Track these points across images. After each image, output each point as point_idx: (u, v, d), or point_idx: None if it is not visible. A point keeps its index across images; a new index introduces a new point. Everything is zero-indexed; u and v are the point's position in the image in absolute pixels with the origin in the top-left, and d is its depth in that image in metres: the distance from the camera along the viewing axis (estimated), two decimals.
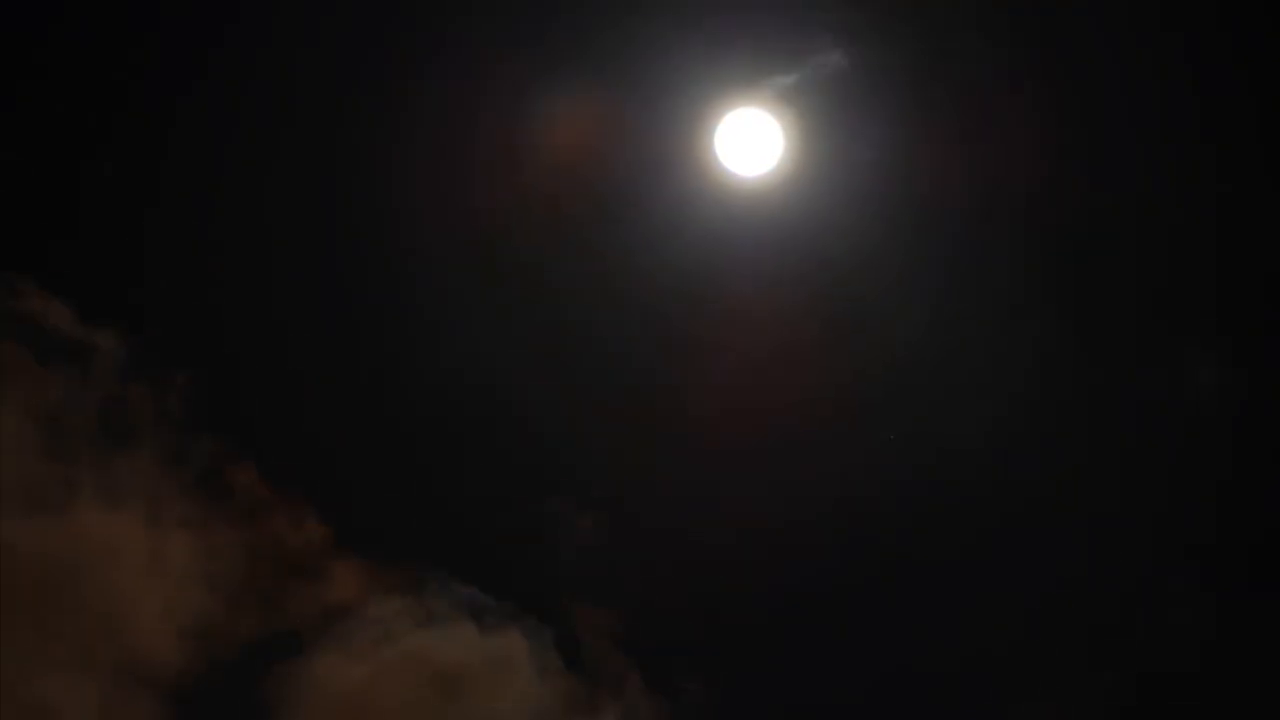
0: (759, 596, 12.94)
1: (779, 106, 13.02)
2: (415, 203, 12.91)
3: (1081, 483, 13.03)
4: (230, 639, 12.68)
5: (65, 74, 12.70)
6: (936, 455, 12.97)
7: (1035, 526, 13.00)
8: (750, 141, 13.07)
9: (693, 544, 12.87)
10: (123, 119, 12.93)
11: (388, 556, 12.92)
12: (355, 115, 12.86)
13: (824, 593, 12.96)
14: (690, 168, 13.14)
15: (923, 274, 12.96)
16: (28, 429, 12.66)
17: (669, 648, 12.92)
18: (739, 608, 12.99)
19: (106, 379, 12.77)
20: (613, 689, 12.90)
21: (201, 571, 12.83)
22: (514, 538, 13.30)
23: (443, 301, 12.98)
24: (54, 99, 12.76)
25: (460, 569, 13.01)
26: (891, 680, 12.71)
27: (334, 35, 12.89)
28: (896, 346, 12.93)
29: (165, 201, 12.87)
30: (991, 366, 13.03)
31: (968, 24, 12.71)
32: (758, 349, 13.13)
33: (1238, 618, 12.34)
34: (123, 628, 12.46)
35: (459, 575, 12.99)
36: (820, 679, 12.82)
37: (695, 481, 12.98)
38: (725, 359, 13.15)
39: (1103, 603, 12.58)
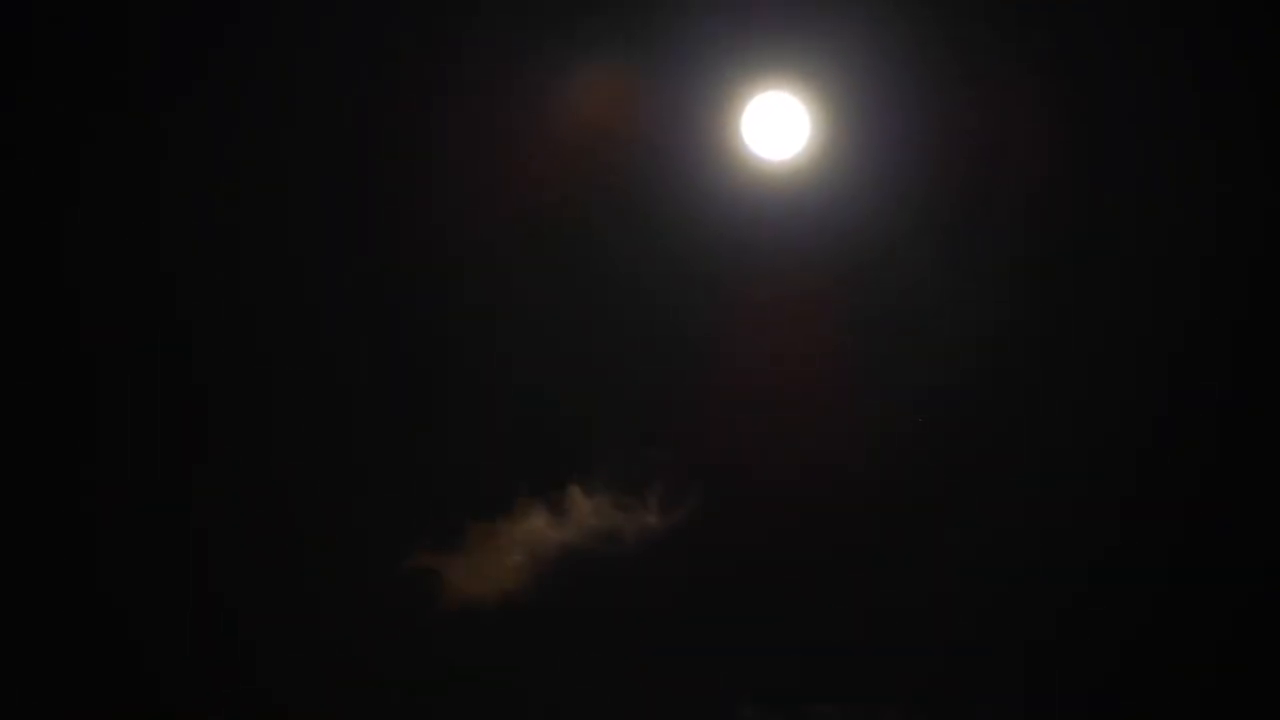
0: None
1: (806, 90, 13.04)
2: (436, 189, 12.81)
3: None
4: None
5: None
6: (956, 444, 12.98)
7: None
8: (777, 125, 13.10)
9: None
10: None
11: None
12: (375, 99, 12.75)
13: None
14: (717, 151, 13.13)
15: (949, 259, 12.97)
16: None
17: None
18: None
19: None
20: None
21: None
22: None
23: (467, 299, 12.89)
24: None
25: None
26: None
27: (362, 7, 12.83)
28: (921, 331, 12.92)
29: None
30: (1018, 350, 13.07)
31: (998, 9, 12.80)
32: (782, 333, 13.07)
33: None
34: None
35: None
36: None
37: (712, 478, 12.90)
38: (749, 344, 13.09)
39: None
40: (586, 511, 12.60)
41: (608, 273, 13.54)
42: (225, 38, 12.94)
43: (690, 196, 13.51)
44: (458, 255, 13.08)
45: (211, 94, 12.84)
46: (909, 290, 13.40)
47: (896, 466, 13.28)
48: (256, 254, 12.77)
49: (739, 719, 12.59)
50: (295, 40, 13.05)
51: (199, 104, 12.89)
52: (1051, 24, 13.44)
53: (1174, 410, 13.13)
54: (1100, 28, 13.37)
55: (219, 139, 13.01)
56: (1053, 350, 13.40)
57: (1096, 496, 13.19)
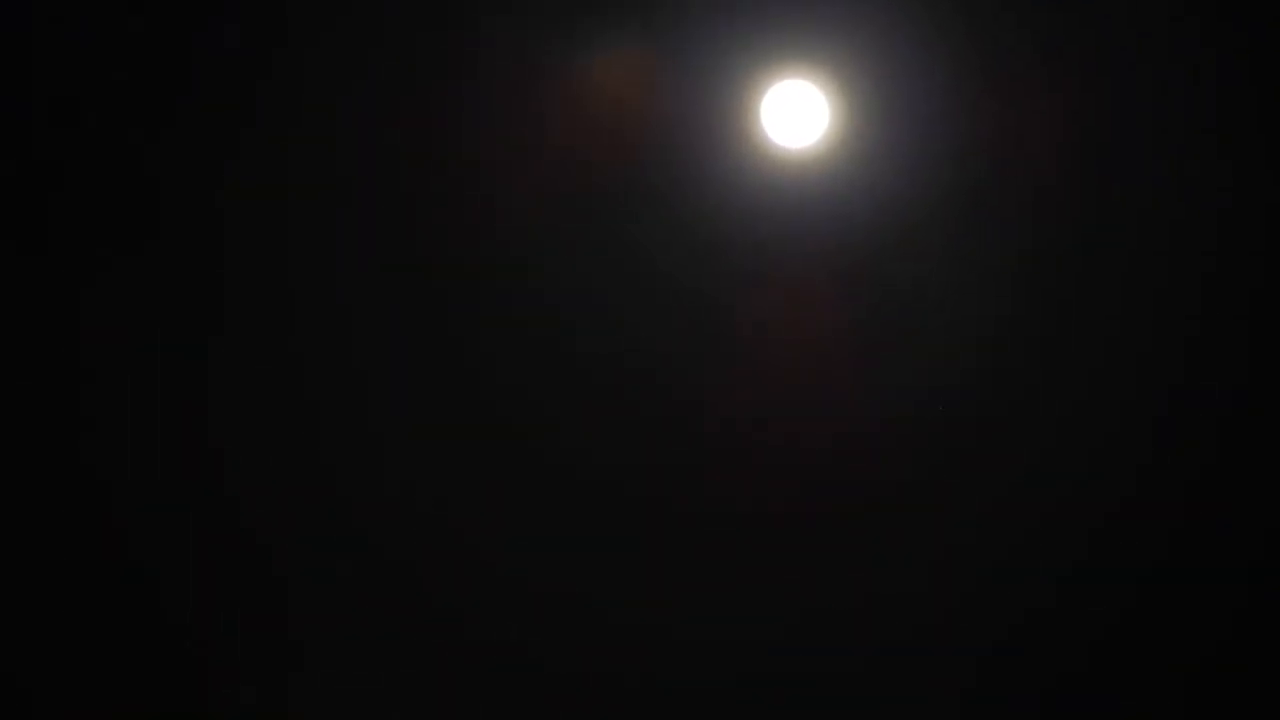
0: None
1: (826, 79, 12.95)
2: (446, 169, 12.67)
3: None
4: None
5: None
6: (969, 434, 13.16)
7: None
8: (796, 114, 13.03)
9: None
10: None
11: None
12: (386, 86, 12.49)
13: None
14: (735, 139, 13.04)
15: (968, 249, 13.00)
16: None
17: None
18: None
19: None
20: None
21: None
22: None
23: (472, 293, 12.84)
24: None
25: None
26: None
27: None
28: (938, 321, 13.00)
29: None
30: (1035, 340, 13.17)
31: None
32: (799, 321, 13.13)
33: None
34: None
35: None
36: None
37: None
38: (766, 330, 13.16)
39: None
40: None
41: (624, 260, 13.52)
42: (226, 39, 12.60)
43: (707, 184, 13.42)
44: (471, 250, 13.01)
45: (222, 90, 12.56)
46: (927, 280, 13.44)
47: (911, 454, 13.48)
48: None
49: None
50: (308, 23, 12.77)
51: (208, 103, 12.61)
52: (1074, 13, 13.31)
53: (1182, 401, 13.35)
54: (1124, 17, 13.25)
55: (228, 145, 12.78)
56: (1071, 341, 13.50)
57: (1103, 490, 13.45)
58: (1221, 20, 12.87)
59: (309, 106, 12.43)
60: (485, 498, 12.89)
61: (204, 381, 12.47)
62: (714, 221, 12.90)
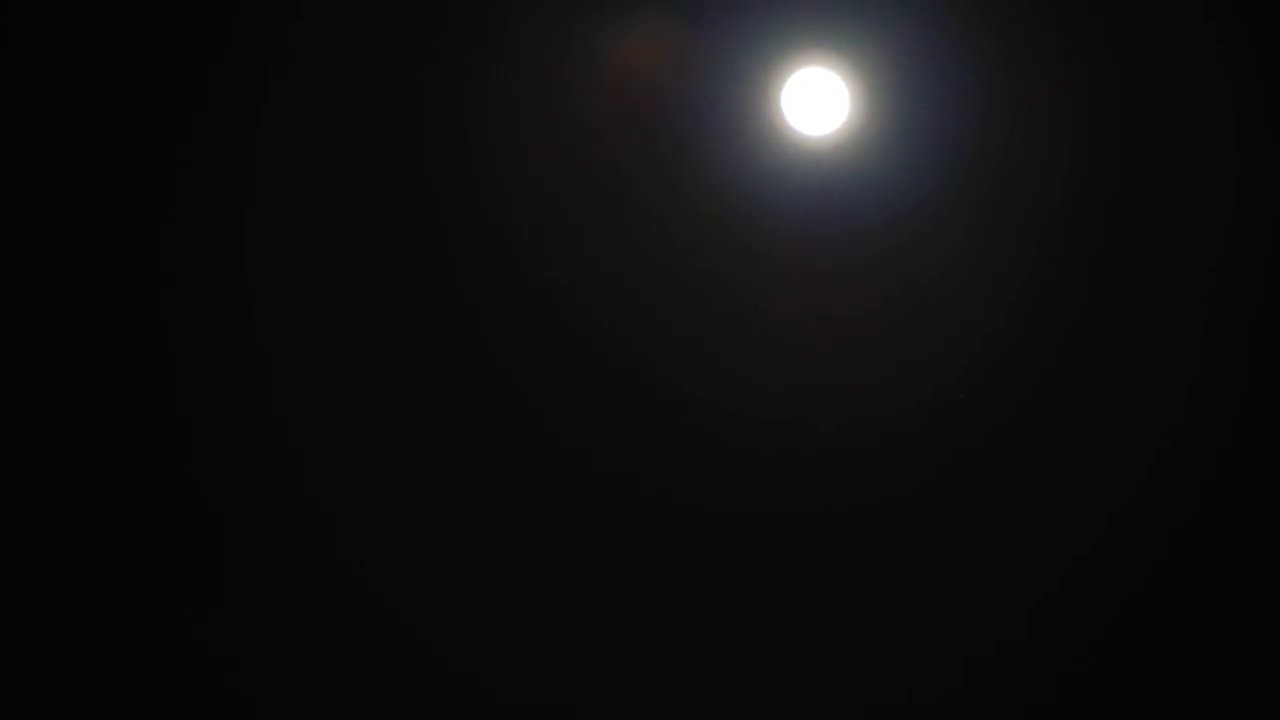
0: None
1: (847, 66, 13.04)
2: (457, 155, 12.82)
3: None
4: None
5: None
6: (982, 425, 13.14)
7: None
8: (817, 101, 13.14)
9: None
10: None
11: None
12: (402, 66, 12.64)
13: None
14: (756, 126, 13.15)
15: (989, 239, 13.01)
16: None
17: None
18: None
19: None
20: None
21: None
22: None
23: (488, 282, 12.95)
24: None
25: None
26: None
27: None
28: (959, 309, 13.03)
29: None
30: (1060, 328, 13.14)
31: None
32: (818, 307, 13.20)
33: None
34: None
35: None
36: None
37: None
38: (785, 316, 13.23)
39: None
40: None
41: (642, 242, 13.59)
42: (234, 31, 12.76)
43: (728, 170, 13.47)
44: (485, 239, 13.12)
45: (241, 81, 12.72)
46: (945, 267, 13.47)
47: (929, 438, 13.46)
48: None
49: None
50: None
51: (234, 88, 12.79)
52: (1091, 7, 13.31)
53: (1189, 387, 13.27)
54: (1140, 15, 13.23)
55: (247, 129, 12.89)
56: (1086, 326, 13.47)
57: (1117, 476, 13.39)
58: (1233, 24, 12.81)
59: (327, 105, 12.59)
60: (502, 471, 12.95)
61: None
62: (734, 206, 12.92)
